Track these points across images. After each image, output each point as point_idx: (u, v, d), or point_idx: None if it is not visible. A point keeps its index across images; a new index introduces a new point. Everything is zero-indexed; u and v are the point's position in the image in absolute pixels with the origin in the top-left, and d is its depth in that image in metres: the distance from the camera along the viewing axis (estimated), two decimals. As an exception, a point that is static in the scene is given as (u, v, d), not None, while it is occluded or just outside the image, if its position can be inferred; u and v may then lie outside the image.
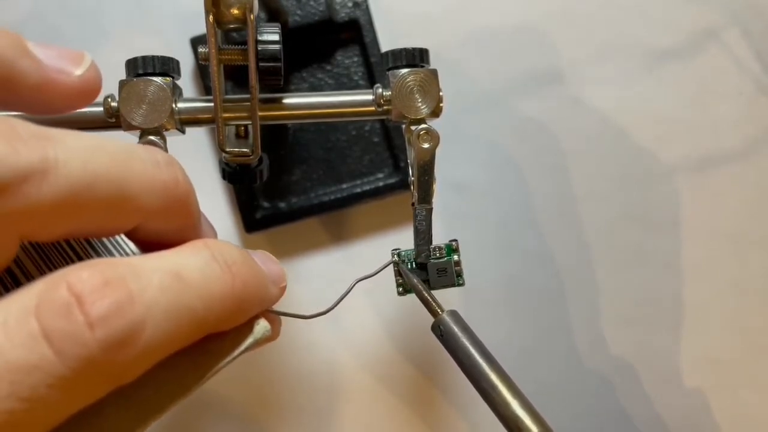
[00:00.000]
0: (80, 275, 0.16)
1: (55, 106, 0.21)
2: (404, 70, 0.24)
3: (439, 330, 0.24)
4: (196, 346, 0.18)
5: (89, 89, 0.21)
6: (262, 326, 0.21)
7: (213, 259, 0.18)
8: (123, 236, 0.20)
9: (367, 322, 0.35)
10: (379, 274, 0.24)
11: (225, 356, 0.20)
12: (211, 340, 0.19)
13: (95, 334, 0.15)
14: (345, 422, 0.35)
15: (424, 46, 0.25)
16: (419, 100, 0.24)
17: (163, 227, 0.19)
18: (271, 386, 0.35)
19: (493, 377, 0.22)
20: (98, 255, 0.20)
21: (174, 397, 0.18)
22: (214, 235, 0.23)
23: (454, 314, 0.24)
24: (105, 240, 0.20)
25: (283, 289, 0.22)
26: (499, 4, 0.36)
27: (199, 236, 0.21)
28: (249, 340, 0.20)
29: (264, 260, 0.22)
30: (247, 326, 0.20)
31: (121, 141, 0.18)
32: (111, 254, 0.20)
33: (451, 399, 0.35)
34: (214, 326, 0.18)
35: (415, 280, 0.25)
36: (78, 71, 0.20)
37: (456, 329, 0.23)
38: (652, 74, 0.36)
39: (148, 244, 0.20)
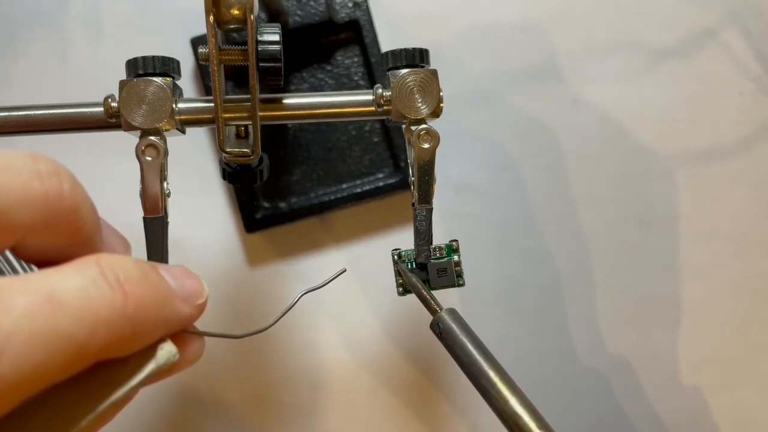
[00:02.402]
0: None
1: None
2: (404, 71, 0.24)
3: (438, 328, 0.24)
4: (88, 374, 0.17)
5: None
6: (166, 351, 0.18)
7: (101, 276, 0.16)
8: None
9: (367, 321, 0.35)
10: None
11: (121, 385, 0.17)
12: (107, 366, 0.17)
13: None
14: (345, 422, 0.35)
15: (424, 46, 0.25)
16: (419, 100, 0.24)
17: (47, 244, 0.17)
18: (271, 386, 0.35)
19: (492, 374, 0.22)
20: None
21: (62, 430, 0.17)
22: (125, 248, 0.21)
23: (452, 312, 0.24)
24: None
25: (201, 307, 0.20)
26: (499, 3, 0.36)
27: (96, 251, 0.18)
28: (150, 367, 0.18)
29: (178, 276, 0.19)
30: (150, 351, 0.18)
31: None
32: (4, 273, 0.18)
33: (450, 398, 0.35)
34: (101, 353, 0.16)
35: (414, 279, 0.25)
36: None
37: (454, 327, 0.23)
38: (652, 74, 0.36)
39: (37, 263, 0.18)
